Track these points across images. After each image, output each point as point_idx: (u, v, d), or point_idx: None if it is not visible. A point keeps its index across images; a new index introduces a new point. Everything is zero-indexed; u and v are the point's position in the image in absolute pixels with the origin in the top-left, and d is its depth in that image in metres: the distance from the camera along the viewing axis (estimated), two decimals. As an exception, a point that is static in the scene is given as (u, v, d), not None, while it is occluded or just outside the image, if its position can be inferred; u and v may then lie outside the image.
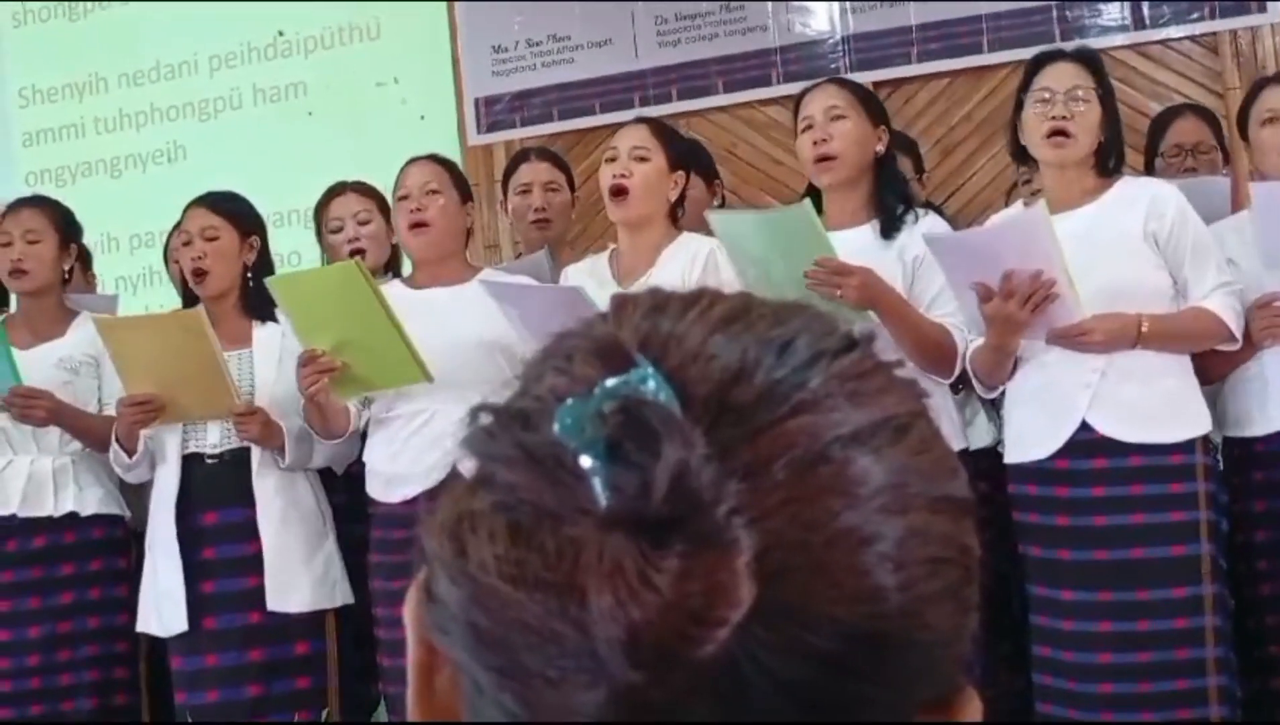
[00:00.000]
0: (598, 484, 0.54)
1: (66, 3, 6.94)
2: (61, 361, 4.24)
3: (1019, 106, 3.64)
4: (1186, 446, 3.49)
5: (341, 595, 4.06)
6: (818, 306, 0.64)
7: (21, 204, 4.45)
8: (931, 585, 0.57)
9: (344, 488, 4.19)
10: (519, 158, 4.84)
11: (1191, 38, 5.47)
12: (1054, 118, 3.52)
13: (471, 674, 0.57)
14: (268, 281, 3.93)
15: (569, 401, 0.56)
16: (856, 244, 3.63)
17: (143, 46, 6.77)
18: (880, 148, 3.78)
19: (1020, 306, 3.39)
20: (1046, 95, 3.54)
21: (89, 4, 6.91)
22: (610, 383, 0.56)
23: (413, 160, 4.09)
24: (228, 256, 4.08)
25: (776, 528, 0.54)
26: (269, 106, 6.61)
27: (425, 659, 0.62)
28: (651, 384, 0.56)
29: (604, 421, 0.55)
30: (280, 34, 6.54)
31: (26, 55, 7.02)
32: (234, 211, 4.13)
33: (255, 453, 4.00)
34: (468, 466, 0.61)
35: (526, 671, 0.54)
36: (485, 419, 0.60)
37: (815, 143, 3.72)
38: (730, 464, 0.55)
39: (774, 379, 0.58)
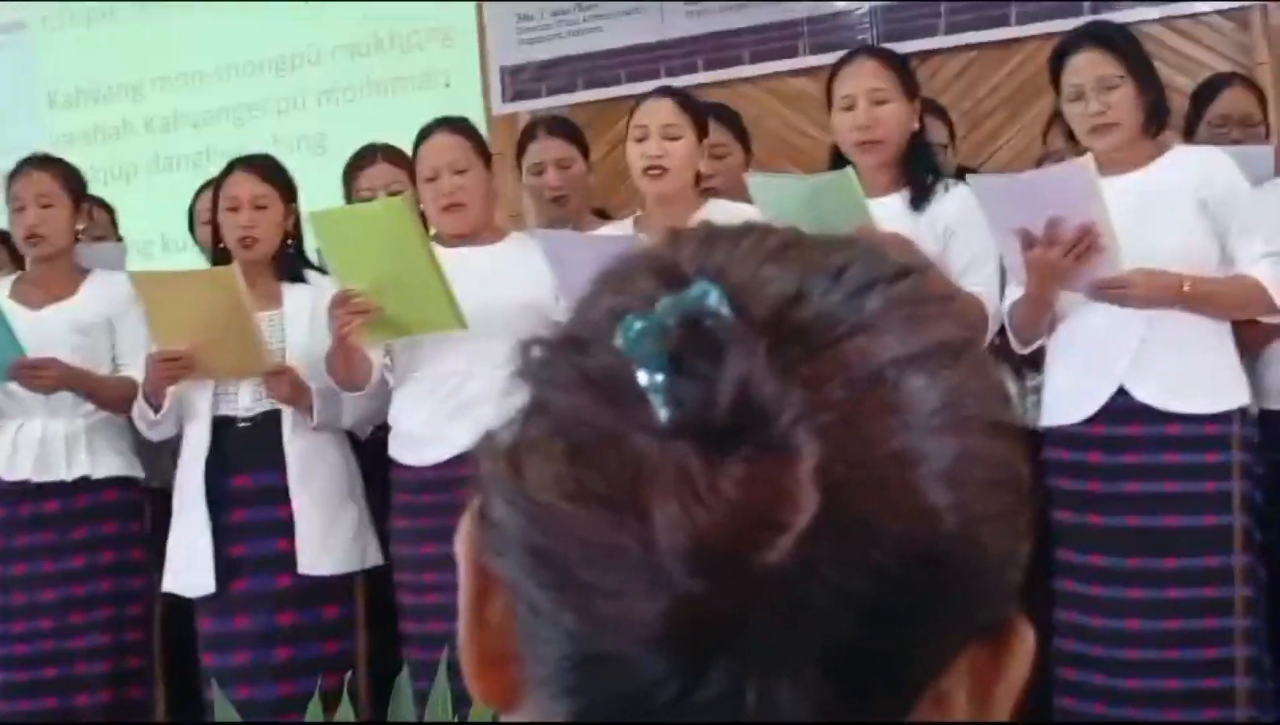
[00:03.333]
0: (658, 401, 0.55)
1: (99, 2, 6.90)
2: (73, 322, 4.23)
3: (1059, 92, 3.64)
4: (1223, 417, 3.49)
5: (371, 557, 4.08)
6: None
7: (31, 166, 4.37)
8: (987, 507, 0.57)
9: (361, 453, 4.18)
10: (527, 134, 4.78)
11: (1221, 12, 5.44)
12: (1093, 114, 3.52)
13: (527, 596, 0.57)
14: (310, 214, 3.94)
15: (630, 317, 0.56)
16: (887, 213, 3.62)
17: (174, 51, 6.74)
18: (916, 124, 3.78)
19: (1063, 255, 3.40)
20: (1077, 91, 3.55)
21: (118, 6, 6.87)
22: (672, 298, 0.57)
23: (431, 132, 4.02)
24: (275, 224, 4.09)
25: (838, 439, 0.54)
26: (291, 76, 6.59)
27: (478, 586, 0.61)
28: (714, 297, 0.56)
29: (666, 335, 0.55)
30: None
31: (57, 58, 6.99)
32: (280, 178, 4.14)
33: (286, 416, 4.01)
34: (502, 423, 0.60)
35: (586, 587, 0.54)
36: (537, 350, 0.60)
37: (859, 127, 3.71)
38: (791, 378, 0.55)
39: (830, 303, 0.58)
